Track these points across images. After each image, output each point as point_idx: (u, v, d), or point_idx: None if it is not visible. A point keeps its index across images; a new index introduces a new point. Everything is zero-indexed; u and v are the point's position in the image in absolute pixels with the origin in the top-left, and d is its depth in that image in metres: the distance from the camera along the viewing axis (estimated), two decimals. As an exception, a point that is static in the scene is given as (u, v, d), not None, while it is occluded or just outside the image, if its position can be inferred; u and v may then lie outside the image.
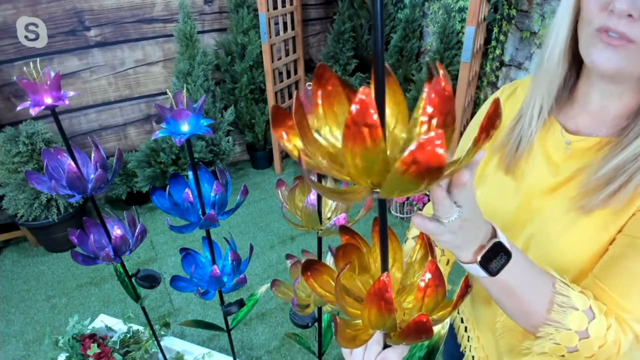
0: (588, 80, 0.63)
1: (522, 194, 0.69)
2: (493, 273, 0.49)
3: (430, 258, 0.44)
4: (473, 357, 0.87)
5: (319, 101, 0.28)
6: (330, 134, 0.29)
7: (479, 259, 0.48)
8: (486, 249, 0.48)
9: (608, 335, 0.53)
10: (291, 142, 0.30)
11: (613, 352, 0.54)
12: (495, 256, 0.49)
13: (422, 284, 0.36)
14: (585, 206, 0.60)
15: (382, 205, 0.32)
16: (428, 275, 0.36)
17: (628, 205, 0.57)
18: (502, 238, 0.49)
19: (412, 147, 0.22)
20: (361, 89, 0.22)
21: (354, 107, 0.22)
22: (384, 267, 0.36)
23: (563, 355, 0.55)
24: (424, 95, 0.25)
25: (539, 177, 0.67)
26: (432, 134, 0.22)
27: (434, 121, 0.25)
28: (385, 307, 0.33)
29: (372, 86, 0.26)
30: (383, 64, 0.25)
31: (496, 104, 0.27)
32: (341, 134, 0.28)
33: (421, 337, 0.37)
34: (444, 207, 0.41)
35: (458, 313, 0.95)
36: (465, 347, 0.90)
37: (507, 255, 0.49)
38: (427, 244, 0.45)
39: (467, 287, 0.39)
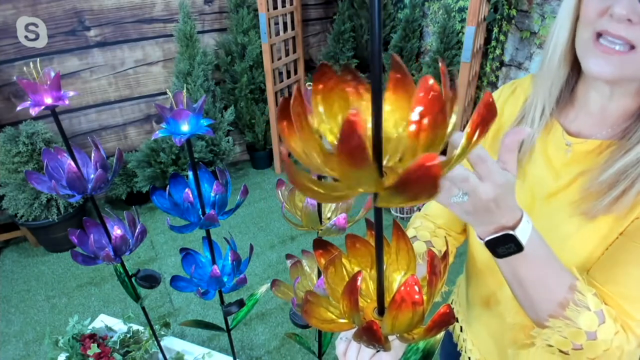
0: (587, 81, 0.63)
1: (526, 196, 0.69)
2: (500, 256, 0.50)
3: (414, 272, 0.41)
4: (469, 358, 0.87)
5: (319, 101, 0.27)
6: (330, 134, 0.29)
7: (484, 239, 0.50)
8: (494, 235, 0.49)
9: (614, 341, 0.53)
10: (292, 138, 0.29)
11: (615, 357, 0.54)
12: (504, 244, 0.49)
13: (397, 298, 0.33)
14: (589, 212, 0.59)
15: (378, 211, 0.32)
16: (403, 289, 0.33)
17: (630, 211, 0.56)
18: (521, 232, 0.48)
19: (403, 170, 0.21)
20: (351, 111, 0.20)
21: (343, 129, 0.20)
22: (379, 268, 0.36)
23: (567, 353, 0.55)
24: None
25: (541, 180, 0.67)
26: (423, 156, 0.20)
27: (425, 121, 0.24)
28: (353, 303, 0.34)
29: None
30: (380, 71, 0.23)
31: (488, 98, 0.27)
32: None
33: (372, 344, 0.36)
34: (446, 190, 0.45)
35: None
36: (461, 347, 0.90)
37: (518, 247, 0.49)
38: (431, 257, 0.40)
39: (446, 319, 0.35)
